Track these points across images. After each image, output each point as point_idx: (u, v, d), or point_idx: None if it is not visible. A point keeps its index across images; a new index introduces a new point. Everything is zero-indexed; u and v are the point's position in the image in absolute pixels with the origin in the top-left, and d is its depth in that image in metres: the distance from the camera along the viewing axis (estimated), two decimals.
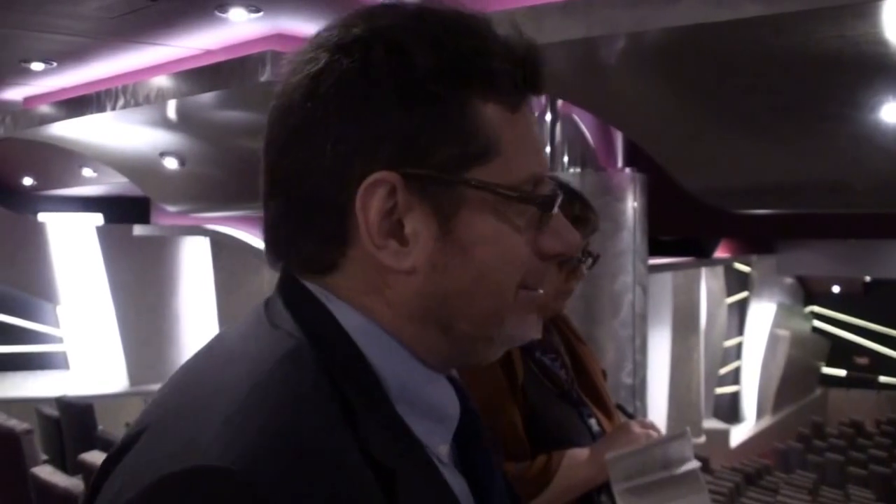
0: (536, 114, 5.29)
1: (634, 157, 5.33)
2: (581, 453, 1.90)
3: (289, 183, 0.78)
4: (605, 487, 1.90)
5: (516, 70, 0.78)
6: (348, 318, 0.78)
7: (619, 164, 5.31)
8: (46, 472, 3.66)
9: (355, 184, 0.75)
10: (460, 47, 0.76)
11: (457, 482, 0.83)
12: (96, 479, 0.75)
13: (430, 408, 0.81)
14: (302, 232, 0.78)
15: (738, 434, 15.89)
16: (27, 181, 12.94)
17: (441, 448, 0.82)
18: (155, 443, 0.71)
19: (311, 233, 0.78)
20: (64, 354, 13.62)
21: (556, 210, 0.81)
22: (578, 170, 5.19)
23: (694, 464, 1.91)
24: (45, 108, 7.54)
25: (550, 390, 1.96)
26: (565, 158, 5.25)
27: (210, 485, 0.65)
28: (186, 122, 6.66)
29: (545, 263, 0.82)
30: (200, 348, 0.83)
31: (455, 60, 0.75)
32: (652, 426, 2.00)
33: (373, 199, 0.75)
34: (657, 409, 12.21)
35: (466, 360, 0.84)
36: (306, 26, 5.45)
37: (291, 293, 0.80)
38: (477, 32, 0.77)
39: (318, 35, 0.79)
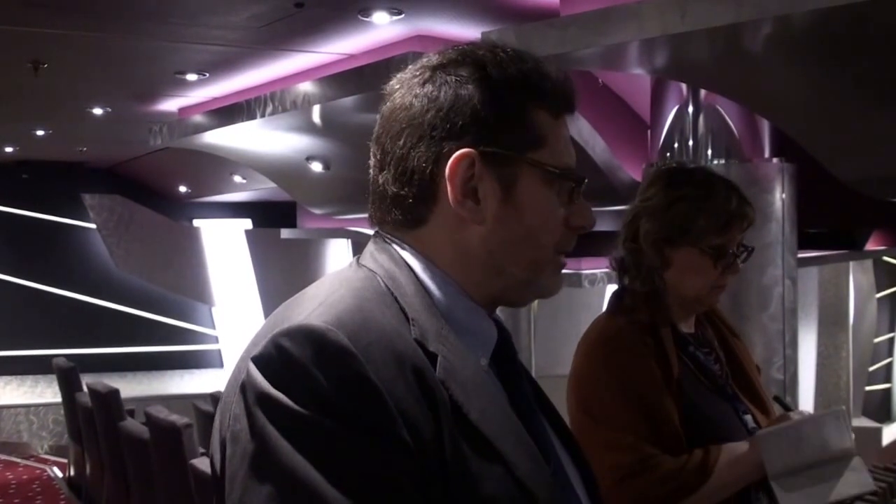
0: (677, 106, 5.21)
1: (782, 146, 5.16)
2: (739, 448, 1.88)
3: (399, 159, 1.06)
4: (763, 485, 1.87)
5: (556, 89, 1.09)
6: (415, 262, 1.07)
7: (766, 153, 5.16)
8: (204, 464, 3.80)
9: (444, 158, 1.04)
10: (521, 69, 1.07)
11: (496, 385, 1.07)
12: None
13: (469, 329, 1.06)
14: (403, 194, 1.06)
15: (891, 433, 15.23)
16: (182, 189, 13.45)
17: (482, 360, 1.07)
18: (270, 323, 1.01)
19: (409, 194, 1.06)
20: (219, 353, 14.18)
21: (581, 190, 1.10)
22: (723, 161, 5.06)
23: (854, 456, 1.88)
24: (198, 118, 7.76)
25: (705, 385, 1.95)
26: (709, 151, 5.12)
27: (310, 335, 0.93)
28: (331, 127, 6.77)
29: (570, 232, 1.11)
30: None
31: (516, 76, 1.06)
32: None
33: (458, 168, 1.04)
34: (804, 407, 11.79)
35: (508, 298, 1.11)
36: (445, 27, 5.51)
37: (377, 244, 1.10)
38: (531, 61, 1.08)
39: (425, 58, 1.10)
